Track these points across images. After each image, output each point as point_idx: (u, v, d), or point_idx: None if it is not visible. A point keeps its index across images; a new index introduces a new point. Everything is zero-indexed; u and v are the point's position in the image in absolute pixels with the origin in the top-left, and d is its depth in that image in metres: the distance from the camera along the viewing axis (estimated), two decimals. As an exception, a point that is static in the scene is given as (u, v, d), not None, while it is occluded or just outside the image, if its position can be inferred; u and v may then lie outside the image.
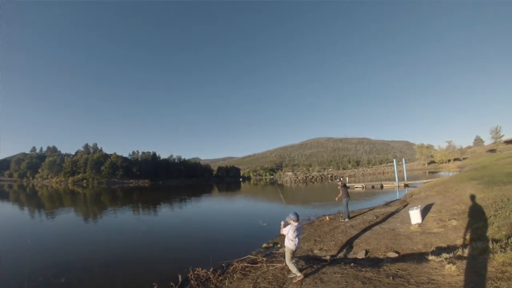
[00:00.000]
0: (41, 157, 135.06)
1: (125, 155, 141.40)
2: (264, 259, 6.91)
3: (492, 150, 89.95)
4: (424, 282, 4.11)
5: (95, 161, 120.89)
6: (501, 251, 4.18)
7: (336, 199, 12.24)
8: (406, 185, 29.45)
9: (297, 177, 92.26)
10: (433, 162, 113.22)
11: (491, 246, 4.49)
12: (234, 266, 6.67)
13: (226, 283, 5.66)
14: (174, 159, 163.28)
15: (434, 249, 5.96)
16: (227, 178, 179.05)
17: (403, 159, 37.73)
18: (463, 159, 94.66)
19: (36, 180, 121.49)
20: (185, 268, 6.67)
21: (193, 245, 10.16)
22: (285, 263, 5.49)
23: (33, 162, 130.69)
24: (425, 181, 28.40)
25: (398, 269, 4.79)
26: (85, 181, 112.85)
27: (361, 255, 6.65)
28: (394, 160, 36.16)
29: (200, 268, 6.45)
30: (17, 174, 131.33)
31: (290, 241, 5.20)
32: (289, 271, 5.35)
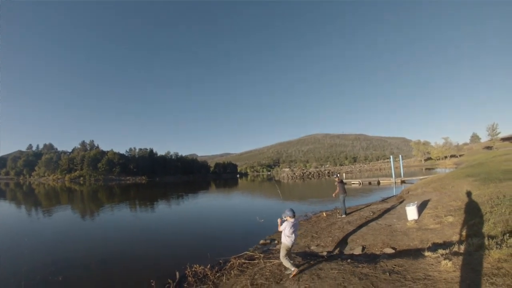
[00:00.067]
0: (38, 154, 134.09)
1: (122, 151, 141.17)
2: (262, 255, 6.92)
3: (489, 147, 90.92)
4: (420, 278, 4.12)
5: (92, 158, 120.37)
6: (496, 248, 4.20)
7: (333, 195, 12.26)
8: (402, 182, 29.63)
9: (294, 173, 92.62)
10: (429, 158, 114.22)
11: (487, 243, 4.51)
12: (231, 262, 6.67)
13: (224, 280, 5.66)
14: (171, 156, 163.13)
15: (431, 245, 6.00)
16: (224, 174, 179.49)
17: (400, 156, 37.93)
18: (460, 156, 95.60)
19: (33, 178, 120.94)
20: (182, 265, 6.65)
21: (190, 241, 10.15)
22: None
23: (30, 160, 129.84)
24: (421, 177, 28.56)
25: (395, 265, 4.81)
26: (82, 178, 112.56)
27: (358, 251, 6.67)
28: (391, 157, 36.27)
29: (197, 265, 6.46)
30: (14, 172, 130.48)
31: (286, 237, 5.22)
32: (286, 267, 5.37)
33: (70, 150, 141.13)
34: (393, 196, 17.84)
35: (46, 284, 6.55)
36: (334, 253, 6.94)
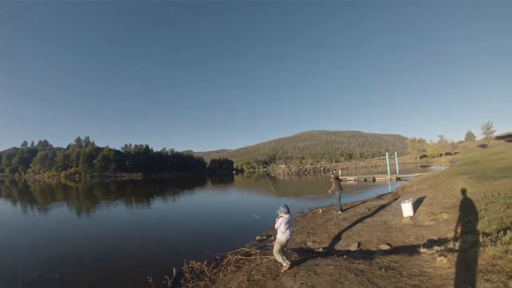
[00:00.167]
0: (33, 151, 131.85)
1: (118, 148, 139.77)
2: (258, 251, 6.95)
3: (483, 146, 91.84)
4: (416, 274, 4.15)
5: (88, 155, 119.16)
6: (491, 245, 4.24)
7: (329, 191, 12.30)
8: (398, 179, 29.87)
9: (290, 170, 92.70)
10: (425, 156, 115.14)
11: (481, 240, 4.54)
12: (228, 258, 6.70)
13: (221, 276, 5.69)
14: (167, 152, 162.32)
15: (426, 241, 6.04)
16: (220, 170, 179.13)
17: (395, 153, 38.17)
18: (455, 153, 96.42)
19: (28, 175, 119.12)
20: (179, 261, 6.68)
21: (186, 238, 10.13)
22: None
23: (25, 157, 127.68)
24: (417, 174, 28.84)
25: (391, 261, 4.83)
26: (77, 175, 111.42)
27: (353, 247, 6.71)
28: (387, 154, 36.50)
29: (194, 261, 6.48)
30: (9, 169, 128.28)
31: (281, 233, 5.24)
32: (292, 263, 5.41)
33: (65, 147, 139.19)
34: (388, 193, 17.94)
35: (42, 281, 6.53)
36: (330, 249, 6.96)
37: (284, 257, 5.34)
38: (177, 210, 18.06)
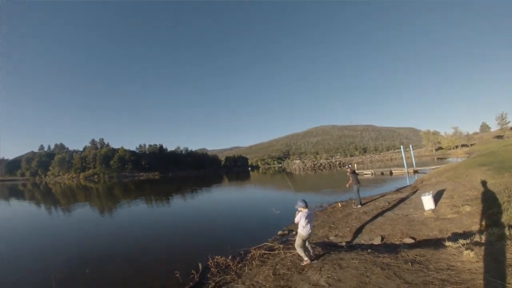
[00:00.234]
0: (50, 155, 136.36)
1: (132, 148, 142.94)
2: (281, 246, 7.07)
3: (499, 136, 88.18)
4: (443, 268, 4.18)
5: (104, 156, 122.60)
6: (518, 237, 4.23)
7: (347, 185, 12.34)
8: (415, 171, 29.40)
9: (305, 165, 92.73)
10: (440, 148, 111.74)
11: (507, 233, 4.53)
12: (252, 253, 6.84)
13: (246, 270, 5.82)
14: (181, 151, 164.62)
15: (450, 235, 6.04)
16: (235, 167, 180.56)
17: (410, 146, 37.42)
18: (471, 145, 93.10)
19: (48, 178, 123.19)
20: (203, 257, 6.87)
21: (209, 234, 10.36)
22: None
23: (43, 160, 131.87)
24: (434, 167, 28.14)
25: (416, 255, 4.86)
26: (96, 176, 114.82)
27: (377, 241, 6.76)
28: (402, 147, 35.91)
29: (219, 256, 6.66)
30: (29, 173, 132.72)
31: (302, 228, 5.31)
32: (311, 257, 5.50)
33: (81, 149, 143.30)
34: (407, 186, 17.76)
35: (74, 276, 6.89)
36: (353, 243, 7.04)
37: (306, 252, 5.44)
38: (197, 207, 18.45)
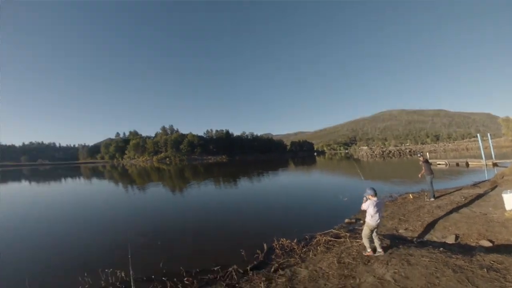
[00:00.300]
0: (126, 140, 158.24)
1: (200, 134, 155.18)
2: (347, 234, 7.05)
3: None
4: (525, 281, 3.72)
5: (174, 141, 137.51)
6: None
7: (419, 175, 11.45)
8: (495, 164, 24.75)
9: (373, 152, 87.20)
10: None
11: None
12: (317, 239, 6.96)
13: (310, 255, 5.85)
14: (247, 136, 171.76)
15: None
16: (300, 152, 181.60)
17: (488, 134, 30.89)
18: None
19: (125, 160, 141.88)
20: (269, 238, 7.16)
21: (275, 216, 10.52)
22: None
23: (119, 146, 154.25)
24: (517, 160, 23.32)
25: (493, 261, 4.42)
26: (167, 159, 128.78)
27: (450, 240, 6.30)
28: (478, 135, 30.39)
29: (284, 239, 6.93)
30: (108, 156, 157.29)
31: (370, 217, 5.25)
32: (375, 249, 5.42)
33: (153, 135, 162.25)
34: (485, 180, 15.42)
35: (147, 246, 7.58)
36: (424, 239, 6.70)
37: (371, 243, 5.39)
38: (264, 189, 18.98)
